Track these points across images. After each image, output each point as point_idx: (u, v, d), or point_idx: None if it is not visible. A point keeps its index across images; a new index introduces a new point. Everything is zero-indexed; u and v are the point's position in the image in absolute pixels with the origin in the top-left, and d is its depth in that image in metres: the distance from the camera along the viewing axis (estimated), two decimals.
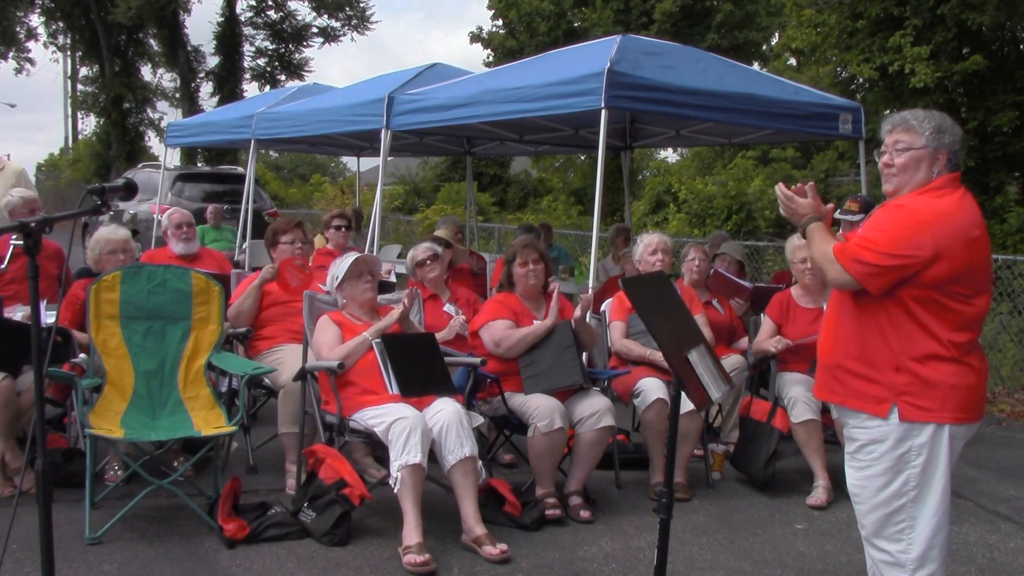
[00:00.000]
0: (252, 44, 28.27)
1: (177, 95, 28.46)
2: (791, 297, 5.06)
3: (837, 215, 5.83)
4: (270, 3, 28.06)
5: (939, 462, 2.65)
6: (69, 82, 35.07)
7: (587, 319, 4.63)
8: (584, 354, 4.67)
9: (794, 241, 5.12)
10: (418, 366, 4.05)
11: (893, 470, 2.69)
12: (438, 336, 4.57)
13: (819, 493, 4.62)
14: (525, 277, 4.57)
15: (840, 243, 2.74)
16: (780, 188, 2.92)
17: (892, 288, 2.65)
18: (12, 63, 30.63)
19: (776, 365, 4.88)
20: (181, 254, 5.82)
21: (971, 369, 2.67)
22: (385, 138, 7.18)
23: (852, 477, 2.81)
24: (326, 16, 28.54)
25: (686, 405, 4.14)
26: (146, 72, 29.68)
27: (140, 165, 17.12)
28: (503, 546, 3.74)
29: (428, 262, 5.17)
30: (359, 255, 4.44)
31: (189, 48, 27.35)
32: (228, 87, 26.18)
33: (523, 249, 4.61)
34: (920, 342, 2.65)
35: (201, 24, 68.23)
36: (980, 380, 2.70)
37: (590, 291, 5.70)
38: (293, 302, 4.80)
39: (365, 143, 10.01)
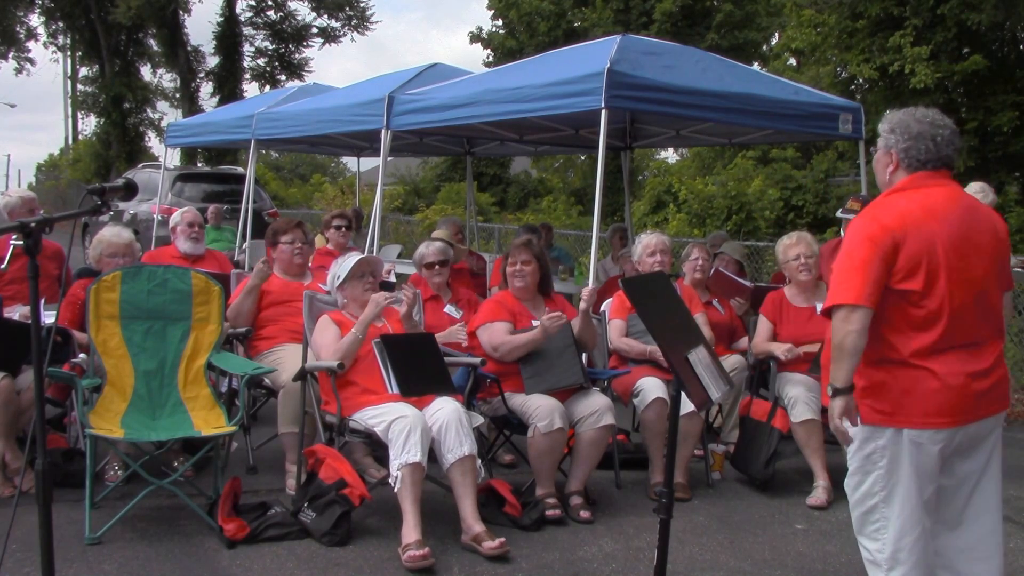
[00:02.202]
0: (252, 44, 28.28)
1: (177, 95, 28.44)
2: (784, 296, 5.06)
3: (839, 214, 5.84)
4: (270, 3, 28.04)
5: (901, 465, 2.63)
6: (69, 82, 35.10)
7: (592, 321, 4.63)
8: (584, 354, 4.67)
9: (785, 241, 5.13)
10: (418, 366, 4.05)
11: (863, 470, 2.73)
12: (438, 338, 4.57)
13: (819, 493, 4.61)
14: (512, 277, 4.58)
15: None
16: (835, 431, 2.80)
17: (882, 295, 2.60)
18: (12, 63, 30.69)
19: (776, 365, 4.88)
20: (187, 252, 5.82)
21: (929, 374, 2.58)
22: (385, 138, 7.18)
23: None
24: (326, 16, 28.55)
25: (686, 406, 4.14)
26: (146, 72, 29.71)
27: (140, 165, 17.11)
28: (501, 539, 3.75)
29: (437, 266, 5.17)
30: (362, 256, 4.44)
31: (189, 48, 27.33)
32: (228, 87, 26.16)
33: (515, 249, 4.62)
34: (872, 345, 2.63)
35: (201, 24, 68.24)
36: (944, 385, 2.58)
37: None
38: (293, 302, 4.80)
39: (365, 143, 10.00)
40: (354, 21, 28.46)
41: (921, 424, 2.61)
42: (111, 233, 4.96)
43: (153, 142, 29.74)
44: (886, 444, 2.65)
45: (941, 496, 2.74)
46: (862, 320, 2.57)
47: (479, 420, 4.16)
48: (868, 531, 2.74)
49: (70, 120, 37.07)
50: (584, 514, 4.25)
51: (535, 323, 4.49)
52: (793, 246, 5.02)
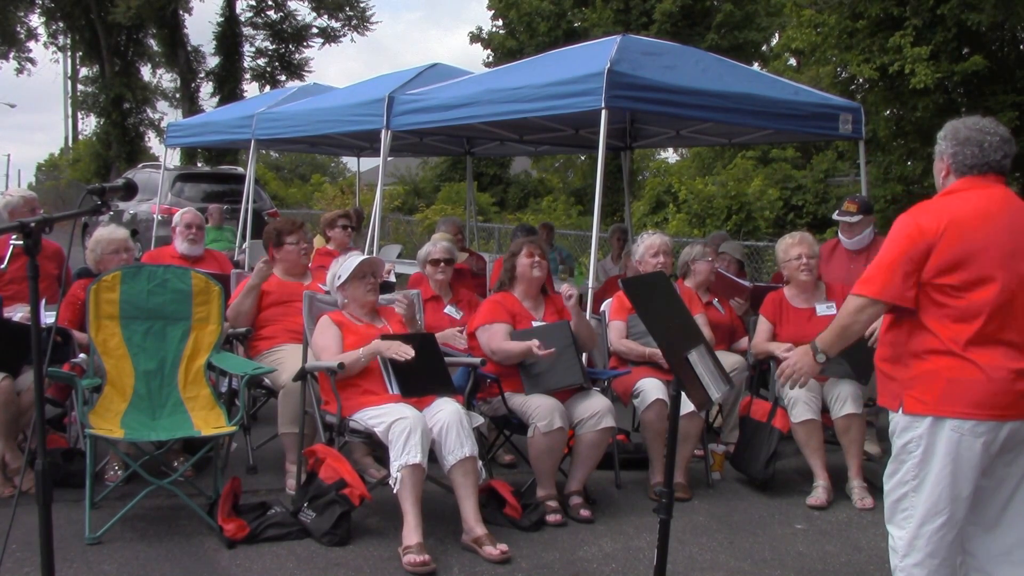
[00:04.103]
0: (252, 44, 28.29)
1: (177, 95, 28.46)
2: (784, 297, 5.06)
3: (836, 216, 5.84)
4: (270, 3, 28.04)
5: (935, 455, 2.67)
6: (69, 82, 35.12)
7: (586, 316, 4.61)
8: (584, 354, 4.66)
9: (786, 240, 5.12)
10: (418, 366, 4.04)
11: (898, 459, 2.77)
12: (437, 338, 4.57)
13: (819, 493, 4.61)
14: (529, 268, 4.55)
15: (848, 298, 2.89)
16: (778, 375, 3.14)
17: (918, 291, 2.73)
18: (12, 63, 30.70)
19: (776, 365, 4.87)
20: (185, 254, 5.82)
21: (974, 365, 2.64)
22: (385, 138, 7.18)
23: None
24: (326, 16, 28.56)
25: (686, 407, 4.13)
26: (146, 72, 29.73)
27: (140, 165, 17.14)
28: (503, 546, 3.74)
29: (443, 264, 5.17)
30: (365, 257, 4.43)
31: (189, 48, 27.34)
32: (228, 87, 26.16)
33: (530, 244, 4.62)
34: (919, 337, 2.73)
35: (201, 24, 68.21)
36: (987, 377, 2.63)
37: (590, 291, 5.72)
38: (293, 302, 4.80)
39: (365, 143, 10.01)
40: (354, 21, 28.47)
41: (964, 414, 2.64)
42: (106, 232, 4.97)
43: (153, 142, 29.80)
44: (922, 434, 2.69)
45: (979, 496, 2.75)
46: (873, 315, 2.82)
47: (479, 420, 4.15)
48: (897, 519, 2.79)
49: (70, 120, 37.18)
50: (584, 513, 4.25)
51: (535, 323, 4.49)
52: (794, 246, 5.01)
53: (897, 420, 2.78)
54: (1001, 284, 2.66)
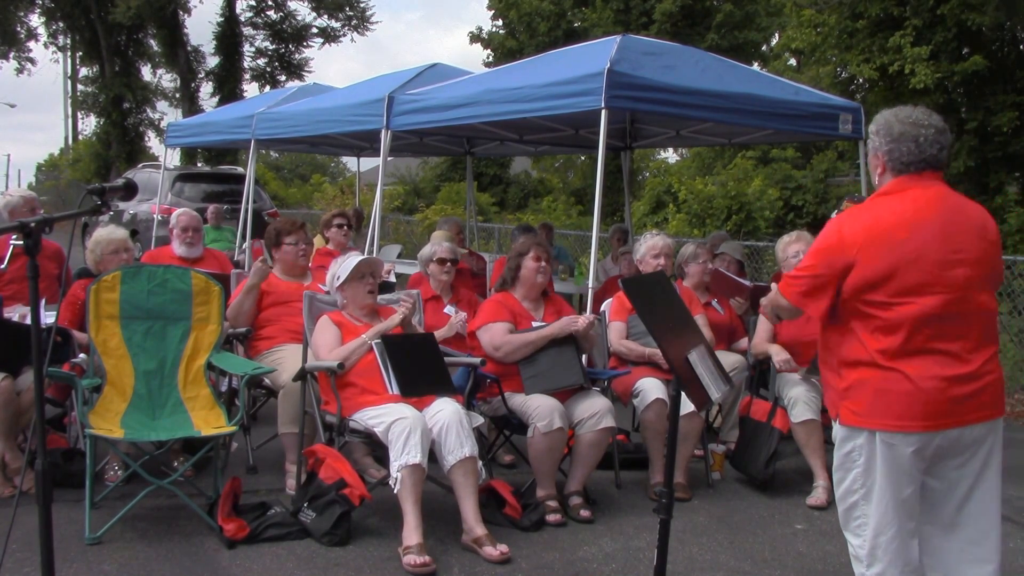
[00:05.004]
0: (252, 44, 28.31)
1: (177, 95, 28.46)
2: None
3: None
4: (270, 3, 28.06)
5: (876, 464, 2.64)
6: (69, 82, 35.11)
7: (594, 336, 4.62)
8: (584, 354, 4.67)
9: (784, 239, 5.13)
10: (418, 366, 4.05)
11: (843, 468, 2.74)
12: (438, 334, 4.57)
13: (819, 493, 4.61)
14: (534, 272, 4.55)
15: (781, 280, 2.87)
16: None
17: (832, 302, 2.67)
18: (13, 63, 30.68)
19: (775, 365, 4.88)
20: (183, 256, 5.82)
21: (902, 376, 2.56)
22: (385, 138, 7.18)
23: None
24: (326, 16, 28.57)
25: (686, 406, 4.13)
26: (146, 72, 29.72)
27: (140, 165, 17.14)
28: (503, 547, 3.74)
29: (448, 263, 5.18)
30: (364, 257, 4.44)
31: (189, 48, 27.36)
32: (228, 87, 26.18)
33: (536, 246, 4.62)
34: (851, 347, 2.66)
35: (201, 24, 68.20)
36: (916, 388, 2.55)
37: (590, 291, 5.72)
38: (293, 302, 4.80)
39: (365, 143, 10.01)
40: (354, 21, 28.49)
41: (892, 426, 2.59)
42: (106, 232, 4.96)
43: (153, 142, 29.80)
44: (863, 444, 2.66)
45: (932, 498, 2.72)
46: (790, 313, 2.87)
47: (479, 420, 4.15)
48: (852, 527, 2.77)
49: (70, 120, 37.15)
50: (584, 513, 4.25)
51: (535, 324, 4.50)
52: (792, 244, 5.03)
53: (837, 429, 2.74)
54: (933, 294, 2.55)
